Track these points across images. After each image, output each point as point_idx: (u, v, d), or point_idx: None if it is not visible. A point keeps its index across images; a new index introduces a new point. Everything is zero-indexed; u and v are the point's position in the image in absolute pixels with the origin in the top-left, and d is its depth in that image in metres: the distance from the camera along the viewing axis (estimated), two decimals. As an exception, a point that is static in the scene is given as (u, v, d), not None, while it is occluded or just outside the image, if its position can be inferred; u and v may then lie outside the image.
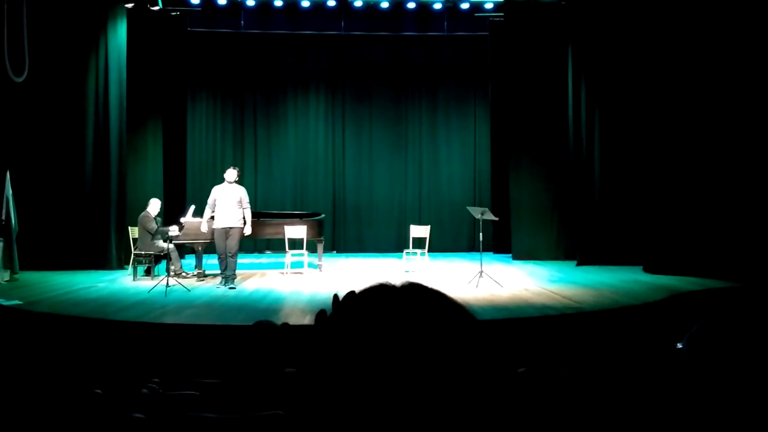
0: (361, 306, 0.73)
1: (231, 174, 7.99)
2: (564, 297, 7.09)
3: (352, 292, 0.77)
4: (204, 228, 8.15)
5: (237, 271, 8.14)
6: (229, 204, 7.88)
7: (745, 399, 1.43)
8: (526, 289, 7.71)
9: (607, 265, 9.73)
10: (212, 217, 7.99)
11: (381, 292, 0.75)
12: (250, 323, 2.72)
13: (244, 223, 7.99)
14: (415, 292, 0.74)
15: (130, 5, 10.02)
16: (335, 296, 0.89)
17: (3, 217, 8.41)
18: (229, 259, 7.88)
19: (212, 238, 8.15)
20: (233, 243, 7.89)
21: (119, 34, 9.96)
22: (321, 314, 0.80)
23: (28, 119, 9.43)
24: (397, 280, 0.78)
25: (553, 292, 7.42)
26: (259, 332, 2.55)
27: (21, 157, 9.16)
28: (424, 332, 0.70)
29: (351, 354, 0.70)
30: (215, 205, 7.93)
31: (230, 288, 7.78)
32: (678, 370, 1.71)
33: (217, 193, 7.98)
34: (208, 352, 5.01)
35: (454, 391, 0.68)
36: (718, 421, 1.42)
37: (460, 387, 0.68)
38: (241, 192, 8.00)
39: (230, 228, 7.87)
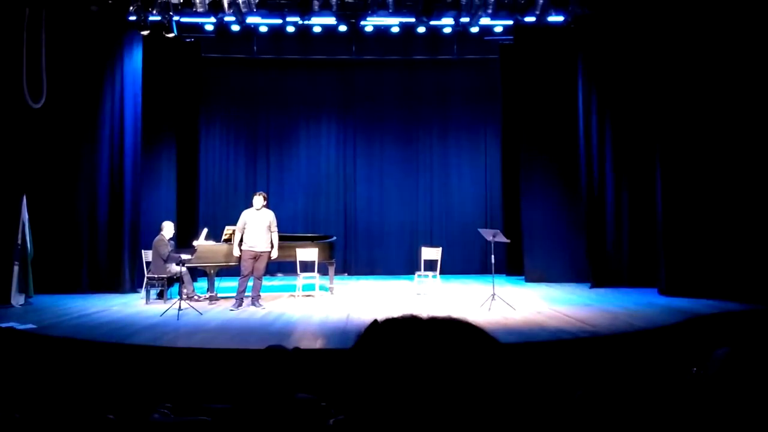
0: (408, 342, 0.73)
1: (258, 201, 8.18)
2: (578, 320, 7.00)
3: (392, 320, 0.77)
4: (236, 252, 8.27)
5: (247, 294, 8.24)
6: (259, 229, 8.09)
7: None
8: (539, 312, 7.62)
9: (622, 287, 9.62)
10: (240, 240, 8.19)
11: (423, 326, 0.75)
12: (262, 347, 2.71)
13: (272, 247, 8.15)
14: (454, 327, 0.74)
15: (145, 32, 10.21)
16: (375, 321, 0.88)
17: (19, 241, 8.51)
18: (256, 281, 8.20)
19: (235, 261, 8.36)
20: (261, 266, 8.18)
21: (135, 61, 10.14)
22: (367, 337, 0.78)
23: (45, 144, 9.57)
24: (430, 313, 0.78)
25: (567, 315, 7.34)
26: (270, 357, 2.54)
27: (37, 182, 9.28)
28: (466, 370, 0.71)
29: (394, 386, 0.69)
30: (245, 229, 8.10)
31: (260, 307, 8.03)
32: (701, 394, 1.67)
33: (247, 217, 8.17)
34: (220, 377, 4.99)
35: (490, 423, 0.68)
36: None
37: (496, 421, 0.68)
38: (270, 216, 8.21)
39: (260, 252, 8.08)
